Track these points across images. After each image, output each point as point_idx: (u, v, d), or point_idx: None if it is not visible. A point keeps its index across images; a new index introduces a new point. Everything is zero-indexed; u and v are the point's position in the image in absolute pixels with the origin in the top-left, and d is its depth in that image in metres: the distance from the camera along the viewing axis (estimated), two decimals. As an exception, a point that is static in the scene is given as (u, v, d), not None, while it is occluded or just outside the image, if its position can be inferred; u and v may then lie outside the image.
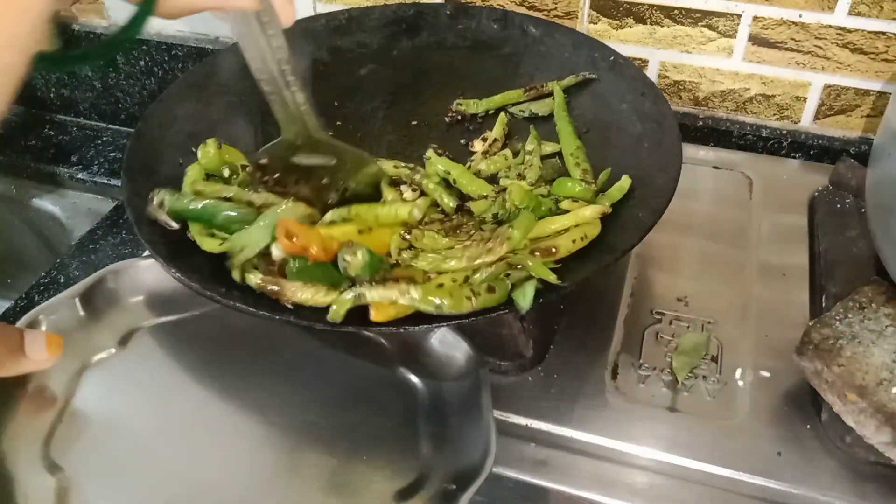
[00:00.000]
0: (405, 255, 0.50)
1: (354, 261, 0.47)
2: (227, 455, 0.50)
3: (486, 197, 0.58)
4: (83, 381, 0.54)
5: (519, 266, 0.49)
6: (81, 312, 0.58)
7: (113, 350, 0.57)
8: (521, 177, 0.60)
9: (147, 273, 0.59)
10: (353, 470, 0.49)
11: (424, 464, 0.49)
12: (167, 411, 0.53)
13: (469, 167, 0.62)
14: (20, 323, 0.53)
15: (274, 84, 0.54)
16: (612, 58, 0.69)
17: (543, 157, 0.63)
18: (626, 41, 0.79)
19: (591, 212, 0.53)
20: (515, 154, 0.63)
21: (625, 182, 0.57)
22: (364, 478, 0.48)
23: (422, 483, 0.48)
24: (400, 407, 0.53)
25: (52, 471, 0.49)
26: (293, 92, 0.55)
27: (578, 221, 0.53)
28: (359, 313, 0.47)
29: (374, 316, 0.46)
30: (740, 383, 0.55)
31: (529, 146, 0.63)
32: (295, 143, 0.56)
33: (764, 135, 0.79)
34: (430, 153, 0.63)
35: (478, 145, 0.65)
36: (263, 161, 0.56)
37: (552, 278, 0.48)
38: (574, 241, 0.52)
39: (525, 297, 0.47)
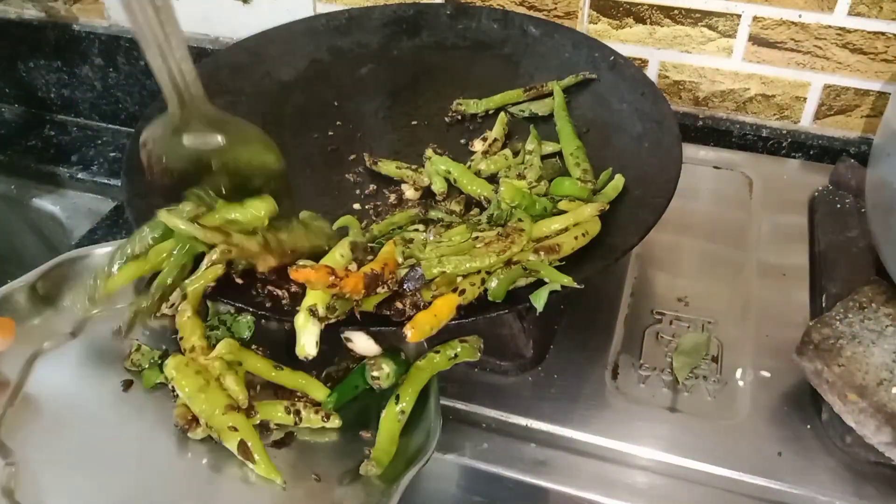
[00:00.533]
0: (430, 257, 0.49)
1: (383, 374, 0.51)
2: (179, 445, 0.50)
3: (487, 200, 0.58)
4: (36, 367, 0.55)
5: (530, 270, 0.50)
6: (35, 299, 0.58)
7: (66, 337, 0.57)
8: (521, 176, 0.59)
9: (103, 261, 0.59)
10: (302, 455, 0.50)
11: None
12: (119, 398, 0.53)
13: (469, 167, 0.62)
14: None
15: (156, 48, 0.50)
16: (612, 58, 0.69)
17: (544, 157, 0.62)
18: (626, 41, 0.79)
19: (590, 209, 0.53)
20: (515, 154, 0.63)
21: (618, 181, 0.57)
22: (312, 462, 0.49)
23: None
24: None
25: (3, 453, 0.49)
26: (178, 60, 0.51)
27: (578, 220, 0.53)
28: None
29: (412, 337, 0.46)
30: (740, 383, 0.55)
31: (529, 146, 0.63)
32: (181, 120, 0.54)
33: (764, 135, 0.79)
34: (429, 153, 0.63)
35: (478, 145, 0.65)
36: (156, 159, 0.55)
37: (567, 281, 0.48)
38: (576, 238, 0.52)
39: (540, 301, 0.48)
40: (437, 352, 0.52)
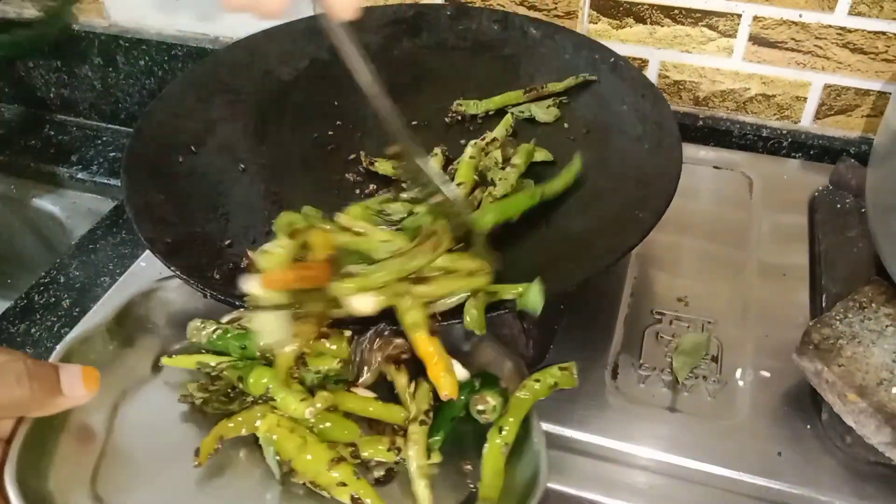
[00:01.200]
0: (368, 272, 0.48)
1: (489, 407, 0.49)
2: (271, 483, 0.48)
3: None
4: (121, 412, 0.52)
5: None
6: (113, 341, 0.55)
7: (147, 376, 0.54)
8: (492, 184, 0.59)
9: (175, 294, 0.56)
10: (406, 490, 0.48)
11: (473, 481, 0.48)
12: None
13: (459, 162, 0.62)
14: (52, 358, 0.51)
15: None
16: (612, 59, 0.69)
17: (534, 164, 0.62)
18: (627, 41, 0.79)
19: (471, 264, 0.50)
20: (506, 160, 0.62)
21: (575, 164, 0.57)
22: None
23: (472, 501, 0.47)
24: None
25: None
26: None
27: (457, 267, 0.50)
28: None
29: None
30: (740, 383, 0.55)
31: (517, 159, 0.61)
32: None
33: (764, 135, 0.79)
34: (437, 151, 0.63)
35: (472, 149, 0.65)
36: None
37: (518, 292, 0.49)
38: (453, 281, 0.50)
39: (536, 304, 0.48)
40: (538, 381, 0.50)
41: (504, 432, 0.48)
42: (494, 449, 0.48)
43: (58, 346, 0.52)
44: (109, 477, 0.48)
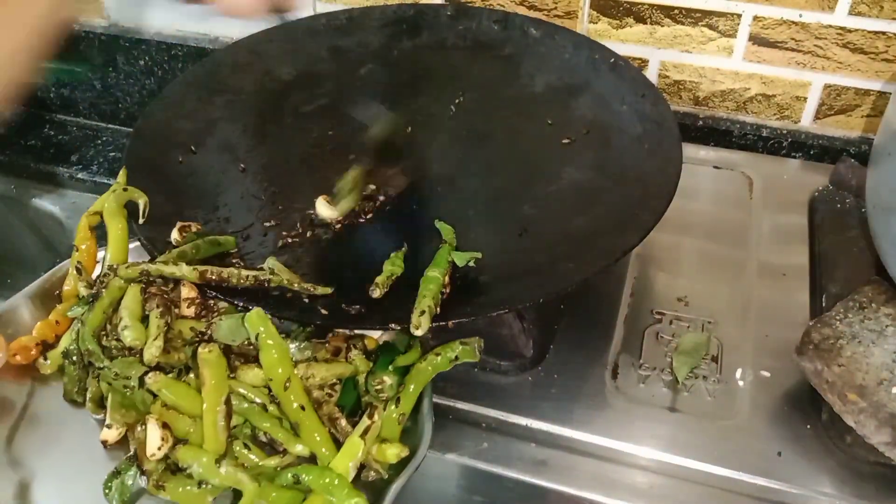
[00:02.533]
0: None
1: (385, 386, 0.50)
2: None
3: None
4: (43, 381, 0.55)
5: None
6: (38, 312, 0.57)
7: None
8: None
9: None
10: None
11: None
12: None
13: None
14: None
15: None
16: (612, 59, 0.69)
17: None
18: (627, 41, 0.79)
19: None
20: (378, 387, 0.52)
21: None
22: None
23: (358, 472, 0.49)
24: None
25: (15, 468, 0.50)
26: None
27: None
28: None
29: None
30: (740, 383, 0.55)
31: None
32: None
33: (764, 135, 0.79)
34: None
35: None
36: None
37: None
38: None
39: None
40: (438, 354, 0.52)
41: (401, 405, 0.50)
42: (390, 419, 0.49)
43: None
44: (25, 439, 0.51)
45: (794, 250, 0.66)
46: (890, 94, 0.74)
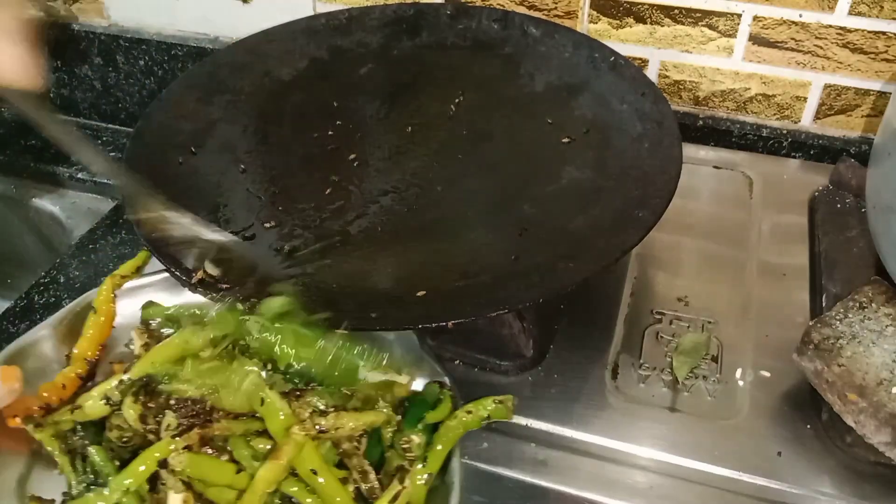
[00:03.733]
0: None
1: (413, 445, 0.47)
2: None
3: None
4: None
5: None
6: (59, 343, 0.54)
7: None
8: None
9: None
10: None
11: None
12: None
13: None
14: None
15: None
16: (612, 58, 0.69)
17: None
18: (627, 41, 0.79)
19: None
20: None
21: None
22: None
23: None
24: None
25: None
26: None
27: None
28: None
29: None
30: (740, 383, 0.55)
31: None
32: None
33: (764, 134, 0.79)
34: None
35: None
36: None
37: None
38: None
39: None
40: (469, 412, 0.48)
41: (429, 464, 0.47)
42: (416, 478, 0.46)
43: (6, 349, 0.52)
44: (41, 477, 0.49)
45: (794, 250, 0.66)
46: (890, 94, 0.74)
